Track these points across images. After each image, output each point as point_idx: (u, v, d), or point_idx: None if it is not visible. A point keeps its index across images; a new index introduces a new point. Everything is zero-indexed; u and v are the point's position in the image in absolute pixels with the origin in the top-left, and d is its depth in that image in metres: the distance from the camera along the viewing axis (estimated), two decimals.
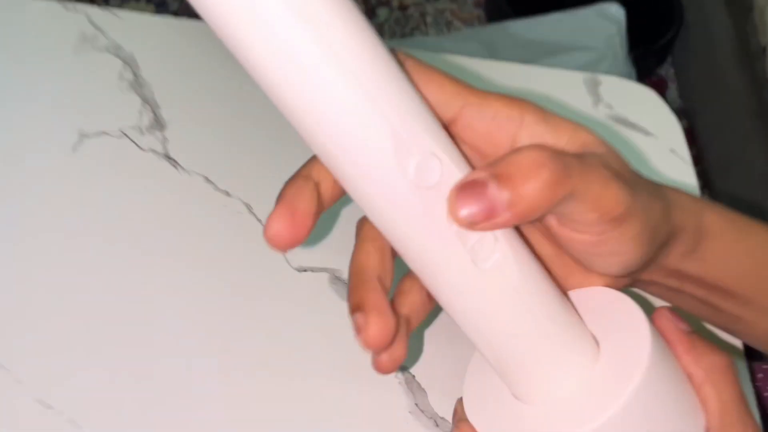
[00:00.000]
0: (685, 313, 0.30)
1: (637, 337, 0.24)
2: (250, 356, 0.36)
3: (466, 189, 0.21)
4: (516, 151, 0.22)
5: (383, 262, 0.26)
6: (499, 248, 0.23)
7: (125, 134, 0.43)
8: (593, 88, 0.50)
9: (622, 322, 0.25)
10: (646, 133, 0.48)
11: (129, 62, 0.46)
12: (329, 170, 0.22)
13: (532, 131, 0.25)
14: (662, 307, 0.27)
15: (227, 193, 0.42)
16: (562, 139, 0.25)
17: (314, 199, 0.24)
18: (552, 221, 0.25)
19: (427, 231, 0.22)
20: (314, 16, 0.19)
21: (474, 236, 0.23)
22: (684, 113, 1.13)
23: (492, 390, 0.27)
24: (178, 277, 0.39)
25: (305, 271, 0.40)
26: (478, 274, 0.23)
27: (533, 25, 0.95)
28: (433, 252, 0.23)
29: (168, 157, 0.43)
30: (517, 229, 0.25)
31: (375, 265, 0.25)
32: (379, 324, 0.24)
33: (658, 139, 0.48)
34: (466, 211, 0.21)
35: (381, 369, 0.25)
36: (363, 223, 0.27)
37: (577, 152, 0.24)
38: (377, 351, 0.25)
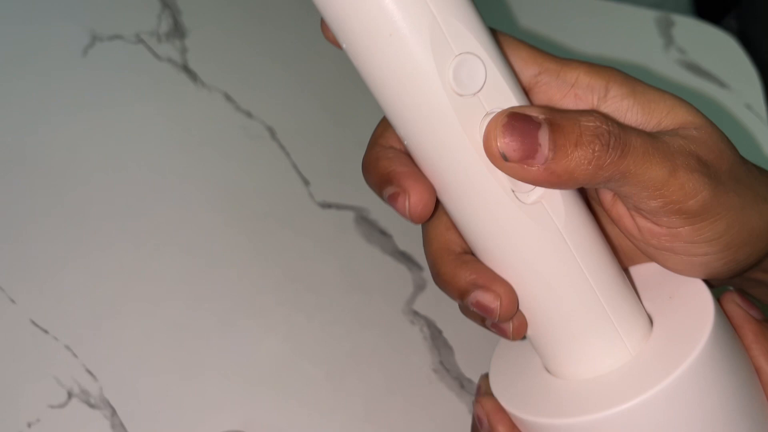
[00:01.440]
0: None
1: (698, 317, 0.21)
2: (262, 292, 0.33)
3: (516, 119, 0.19)
4: (583, 111, 0.20)
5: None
6: None
7: (142, 40, 0.39)
8: (665, 29, 0.44)
9: (683, 301, 0.22)
10: (721, 84, 0.43)
11: None
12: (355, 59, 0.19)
13: (617, 105, 0.22)
14: (732, 290, 0.23)
15: (249, 114, 0.38)
16: (654, 118, 0.22)
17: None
18: (622, 209, 0.22)
19: (461, 147, 0.19)
20: None
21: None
22: None
23: (522, 364, 0.24)
24: (188, 201, 0.35)
25: (329, 207, 0.36)
26: (517, 208, 0.20)
27: None
28: (466, 173, 0.20)
29: (186, 69, 0.39)
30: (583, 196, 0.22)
31: (462, 241, 0.22)
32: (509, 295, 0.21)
33: (733, 92, 0.42)
34: (507, 142, 0.19)
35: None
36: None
37: (666, 131, 0.22)
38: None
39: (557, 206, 0.20)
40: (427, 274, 0.34)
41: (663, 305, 0.23)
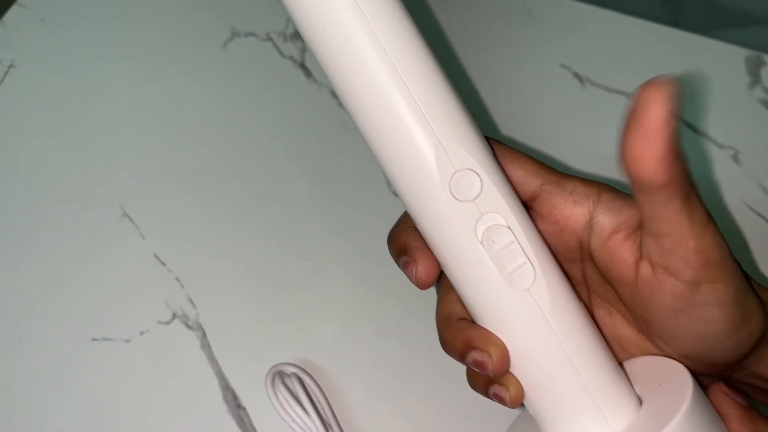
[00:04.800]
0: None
1: (679, 400, 0.23)
2: (336, 259, 0.40)
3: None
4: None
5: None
6: (537, 277, 0.24)
7: (270, 38, 0.47)
8: (754, 68, 0.46)
9: (670, 387, 0.24)
10: None
11: None
12: (383, 167, 0.24)
13: (611, 205, 0.25)
14: (719, 382, 0.26)
15: None
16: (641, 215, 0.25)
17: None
18: (648, 262, 0.24)
19: (459, 242, 0.23)
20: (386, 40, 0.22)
21: (510, 260, 0.24)
22: None
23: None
24: (288, 177, 0.42)
25: None
26: (508, 293, 0.24)
27: None
28: (463, 262, 0.24)
29: (303, 66, 0.46)
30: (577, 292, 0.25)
31: (463, 311, 0.26)
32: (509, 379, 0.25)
33: None
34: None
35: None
36: (443, 279, 0.27)
37: None
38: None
39: (543, 294, 0.23)
40: None
41: (652, 390, 0.25)
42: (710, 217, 0.23)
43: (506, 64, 0.46)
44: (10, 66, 0.46)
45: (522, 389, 0.25)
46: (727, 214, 0.41)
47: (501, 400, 0.25)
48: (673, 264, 0.23)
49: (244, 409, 0.36)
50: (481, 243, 0.23)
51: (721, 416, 0.25)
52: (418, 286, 0.26)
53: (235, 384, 0.36)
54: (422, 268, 0.25)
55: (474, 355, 0.24)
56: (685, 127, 0.44)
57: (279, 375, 0.34)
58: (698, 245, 0.23)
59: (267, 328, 0.38)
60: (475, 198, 0.23)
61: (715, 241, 0.23)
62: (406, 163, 0.23)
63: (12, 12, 0.48)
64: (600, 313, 0.28)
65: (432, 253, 0.25)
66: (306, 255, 0.40)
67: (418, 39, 0.23)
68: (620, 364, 0.26)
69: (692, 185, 0.22)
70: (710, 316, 0.24)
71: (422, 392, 0.36)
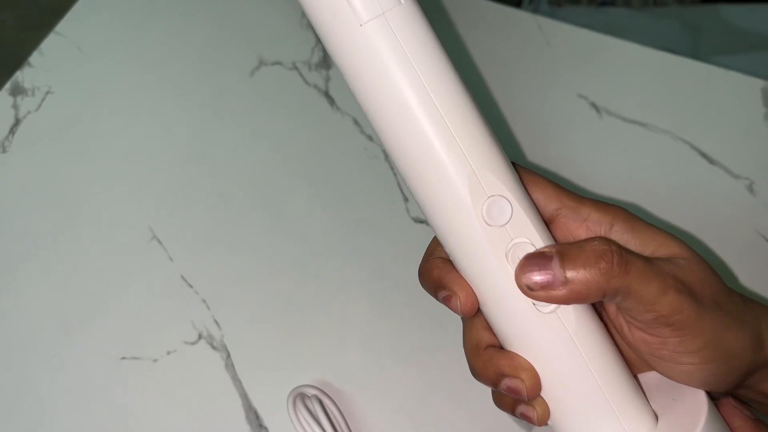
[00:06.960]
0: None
1: (695, 416, 0.25)
2: (354, 284, 0.41)
3: (533, 257, 0.24)
4: (587, 239, 0.24)
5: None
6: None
7: (296, 67, 0.48)
8: None
9: (684, 403, 0.26)
10: None
11: None
12: (415, 195, 0.25)
13: (618, 238, 0.26)
14: (728, 397, 0.27)
15: (370, 138, 0.45)
16: (648, 249, 0.26)
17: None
18: (623, 320, 0.26)
19: (491, 266, 0.24)
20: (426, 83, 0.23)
21: None
22: None
23: None
24: (311, 201, 0.43)
25: (421, 222, 0.43)
26: (537, 316, 0.25)
27: (752, 13, 0.87)
28: (493, 286, 0.25)
29: (327, 95, 0.47)
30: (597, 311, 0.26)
31: (490, 338, 0.27)
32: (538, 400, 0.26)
33: None
34: (529, 276, 0.24)
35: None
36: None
37: (659, 258, 0.25)
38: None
39: (569, 316, 0.25)
40: None
41: (667, 406, 0.26)
42: (666, 283, 0.24)
43: (527, 91, 0.47)
44: (47, 92, 0.48)
45: (548, 408, 0.26)
46: (742, 245, 0.42)
47: (529, 420, 0.26)
48: (641, 323, 0.25)
49: (266, 429, 0.37)
50: (507, 260, 0.24)
51: (731, 428, 0.26)
52: (464, 315, 0.26)
53: (257, 404, 0.38)
54: (465, 299, 0.26)
55: (507, 383, 0.25)
56: (700, 157, 0.45)
57: (300, 396, 0.35)
58: (657, 315, 0.24)
59: (289, 350, 0.39)
60: (506, 223, 0.24)
61: (674, 307, 0.24)
62: (440, 190, 0.24)
63: (49, 40, 0.50)
64: (612, 335, 0.29)
65: (468, 282, 0.26)
66: (328, 279, 0.41)
67: (450, 68, 0.24)
68: (635, 377, 0.27)
69: (621, 266, 0.23)
70: (686, 360, 0.25)
71: (440, 415, 0.37)
